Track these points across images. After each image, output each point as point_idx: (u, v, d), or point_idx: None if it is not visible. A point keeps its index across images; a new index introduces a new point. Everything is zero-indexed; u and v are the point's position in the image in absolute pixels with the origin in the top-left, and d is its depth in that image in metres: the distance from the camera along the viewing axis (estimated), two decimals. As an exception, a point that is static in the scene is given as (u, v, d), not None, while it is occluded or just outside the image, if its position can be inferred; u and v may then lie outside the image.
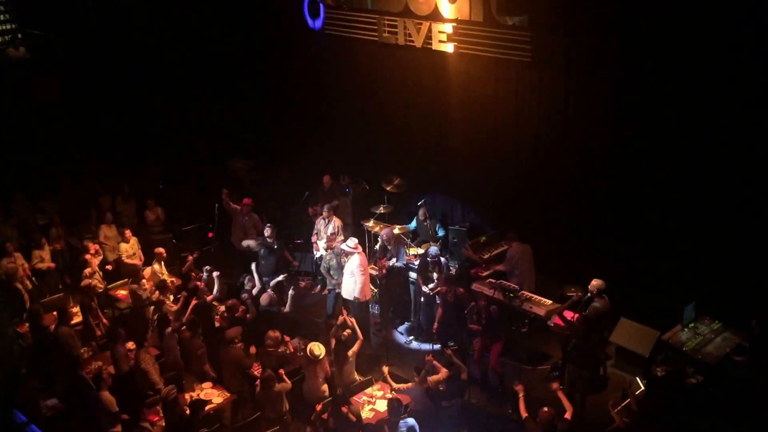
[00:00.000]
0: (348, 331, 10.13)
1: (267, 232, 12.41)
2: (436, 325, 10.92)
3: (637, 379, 10.19)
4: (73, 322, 11.04)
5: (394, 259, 11.95)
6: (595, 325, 9.96)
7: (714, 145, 9.76)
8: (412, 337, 11.97)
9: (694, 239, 10.27)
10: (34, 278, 12.40)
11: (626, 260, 11.12)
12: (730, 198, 9.78)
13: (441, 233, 12.95)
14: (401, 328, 12.28)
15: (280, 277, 12.09)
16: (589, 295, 10.09)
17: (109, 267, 12.82)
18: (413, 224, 13.18)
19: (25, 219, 13.90)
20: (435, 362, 9.44)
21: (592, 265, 11.30)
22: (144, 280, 11.75)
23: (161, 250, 12.31)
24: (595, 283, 10.05)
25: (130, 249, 12.88)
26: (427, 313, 11.74)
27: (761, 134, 9.33)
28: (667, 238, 10.56)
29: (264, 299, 11.10)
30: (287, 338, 10.50)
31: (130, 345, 10.11)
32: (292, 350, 10.23)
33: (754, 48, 9.09)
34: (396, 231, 12.46)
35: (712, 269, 10.18)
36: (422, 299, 11.79)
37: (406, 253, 12.33)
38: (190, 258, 12.28)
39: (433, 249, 11.64)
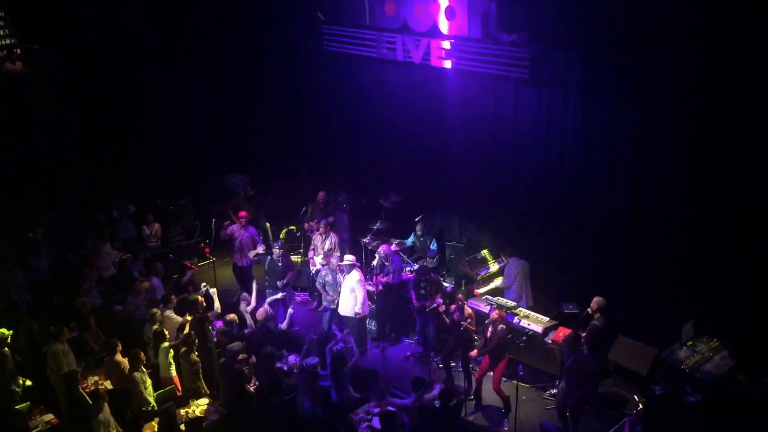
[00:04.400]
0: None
1: (276, 252, 12.39)
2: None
3: (636, 397, 10.17)
4: (69, 336, 10.97)
5: (391, 275, 11.93)
6: (592, 343, 9.94)
7: (714, 162, 9.77)
8: (409, 353, 11.92)
9: (693, 257, 10.26)
10: (30, 292, 12.33)
11: (624, 277, 11.10)
12: (730, 216, 9.78)
13: (434, 245, 12.95)
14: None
15: (279, 295, 12.06)
16: (589, 311, 10.06)
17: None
18: (410, 239, 13.18)
19: (19, 234, 13.84)
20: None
21: (589, 282, 11.30)
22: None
23: (159, 265, 12.25)
24: (597, 300, 10.01)
25: None
26: (422, 329, 11.72)
27: (757, 154, 9.36)
28: (666, 255, 10.55)
29: (260, 314, 11.05)
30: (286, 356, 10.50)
31: (125, 363, 10.00)
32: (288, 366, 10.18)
33: (756, 63, 9.13)
34: (393, 247, 12.45)
35: (710, 287, 10.17)
36: (416, 315, 11.79)
37: (404, 269, 12.32)
38: (188, 273, 12.24)
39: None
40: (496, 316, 10.20)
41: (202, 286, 11.72)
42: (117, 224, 14.34)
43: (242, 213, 13.37)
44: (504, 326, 10.22)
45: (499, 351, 10.16)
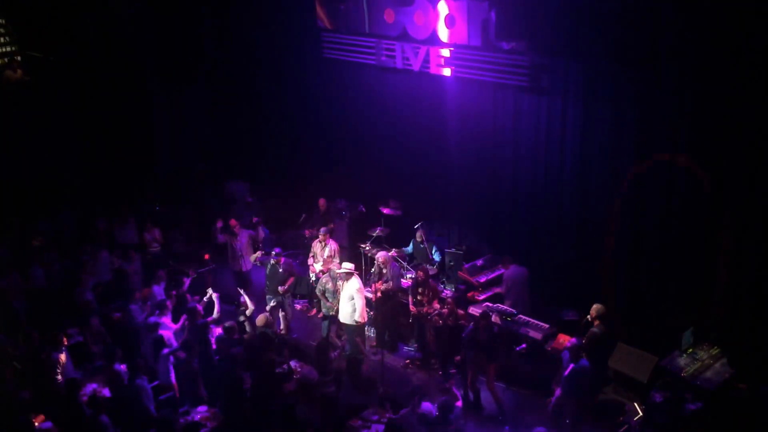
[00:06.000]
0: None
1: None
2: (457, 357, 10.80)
3: (636, 405, 10.15)
4: (69, 343, 10.96)
5: (389, 283, 11.92)
6: (592, 351, 9.91)
7: (714, 169, 9.77)
8: (408, 361, 11.90)
9: (693, 264, 10.25)
10: (28, 299, 12.31)
11: (624, 285, 11.09)
12: (730, 223, 9.77)
13: (437, 257, 12.93)
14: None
15: (273, 302, 12.06)
16: (588, 318, 10.05)
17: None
18: (410, 248, 13.16)
19: (19, 241, 13.83)
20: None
21: (589, 290, 11.29)
22: None
23: (161, 272, 12.24)
24: (597, 307, 9.99)
25: None
26: (420, 336, 11.71)
27: (757, 160, 9.35)
28: (666, 262, 10.54)
29: (260, 321, 11.03)
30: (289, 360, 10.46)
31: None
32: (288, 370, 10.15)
33: (755, 70, 9.13)
34: (392, 254, 12.44)
35: (710, 295, 10.15)
36: (414, 321, 11.78)
37: (403, 276, 12.31)
38: (186, 280, 12.23)
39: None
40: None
41: (209, 292, 11.71)
42: (116, 231, 14.32)
43: (231, 221, 13.39)
44: (494, 322, 10.22)
45: (490, 348, 10.13)
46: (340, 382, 10.00)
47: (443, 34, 12.27)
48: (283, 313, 12.36)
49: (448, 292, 12.12)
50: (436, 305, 11.23)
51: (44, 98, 16.29)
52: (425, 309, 11.26)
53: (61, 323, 11.83)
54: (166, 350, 10.21)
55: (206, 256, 14.14)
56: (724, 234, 9.84)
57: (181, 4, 16.78)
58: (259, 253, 12.89)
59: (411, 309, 11.48)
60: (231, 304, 12.49)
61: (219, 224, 13.63)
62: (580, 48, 10.83)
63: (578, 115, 11.18)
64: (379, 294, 11.84)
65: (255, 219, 14.43)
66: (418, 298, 11.41)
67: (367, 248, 13.22)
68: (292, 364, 10.53)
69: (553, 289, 12.07)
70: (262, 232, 13.95)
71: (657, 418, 9.31)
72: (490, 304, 11.47)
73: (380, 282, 11.91)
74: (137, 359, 9.76)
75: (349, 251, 13.78)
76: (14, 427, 9.14)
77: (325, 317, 12.18)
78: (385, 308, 12.02)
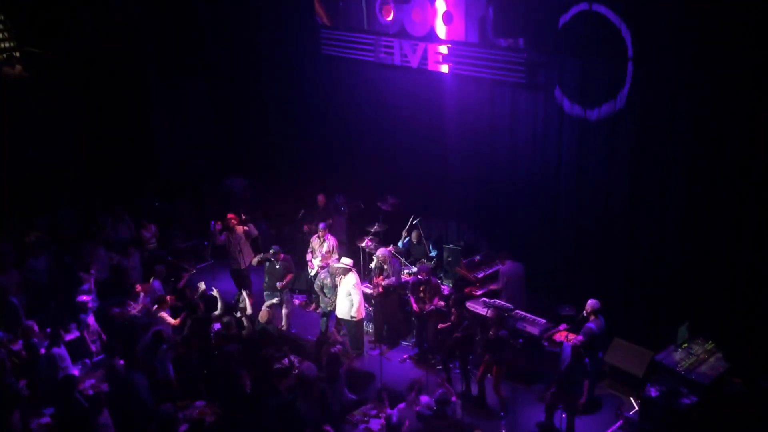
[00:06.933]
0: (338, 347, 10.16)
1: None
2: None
3: (631, 399, 10.23)
4: (67, 339, 11.01)
5: (391, 279, 11.97)
6: (588, 345, 9.97)
7: (710, 164, 9.82)
8: (407, 356, 11.96)
9: (688, 259, 10.31)
10: (27, 294, 12.36)
11: (620, 280, 11.15)
12: (724, 220, 9.83)
13: (433, 253, 12.98)
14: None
15: (275, 299, 12.11)
16: (584, 314, 10.11)
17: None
18: (405, 240, 13.22)
19: (18, 236, 13.88)
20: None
21: (585, 285, 11.35)
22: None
23: (160, 267, 12.28)
24: (592, 302, 10.06)
25: None
26: (420, 332, 11.77)
27: (753, 159, 9.41)
28: (661, 258, 10.60)
29: (262, 317, 11.09)
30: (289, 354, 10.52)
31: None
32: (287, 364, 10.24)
33: (754, 67, 9.18)
34: (389, 249, 12.50)
35: (705, 290, 10.22)
36: (414, 318, 11.83)
37: (402, 272, 12.37)
38: (185, 275, 12.28)
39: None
40: (493, 315, 10.25)
41: (200, 287, 11.76)
42: (113, 228, 14.37)
43: (229, 215, 13.31)
44: (506, 331, 10.28)
45: (501, 353, 10.21)
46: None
47: (441, 30, 12.31)
48: (286, 310, 12.41)
49: (446, 288, 12.18)
50: (437, 302, 11.29)
51: (43, 94, 16.30)
52: (427, 306, 11.32)
53: (60, 319, 11.91)
54: (165, 345, 10.26)
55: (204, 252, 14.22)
56: (720, 229, 9.91)
57: (180, 1, 16.80)
58: (258, 256, 12.88)
59: (414, 308, 11.50)
60: (228, 300, 12.55)
61: (218, 226, 13.26)
62: (577, 45, 10.86)
63: (574, 111, 11.21)
64: (380, 289, 11.90)
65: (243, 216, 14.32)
66: (420, 296, 11.46)
67: (366, 244, 13.24)
68: (293, 359, 10.59)
69: (550, 284, 12.13)
70: (254, 231, 13.78)
71: (652, 412, 9.39)
72: (487, 299, 11.54)
73: (381, 277, 11.97)
74: (134, 353, 9.81)
75: (348, 247, 13.83)
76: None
77: (323, 313, 12.23)
78: (384, 304, 12.08)
